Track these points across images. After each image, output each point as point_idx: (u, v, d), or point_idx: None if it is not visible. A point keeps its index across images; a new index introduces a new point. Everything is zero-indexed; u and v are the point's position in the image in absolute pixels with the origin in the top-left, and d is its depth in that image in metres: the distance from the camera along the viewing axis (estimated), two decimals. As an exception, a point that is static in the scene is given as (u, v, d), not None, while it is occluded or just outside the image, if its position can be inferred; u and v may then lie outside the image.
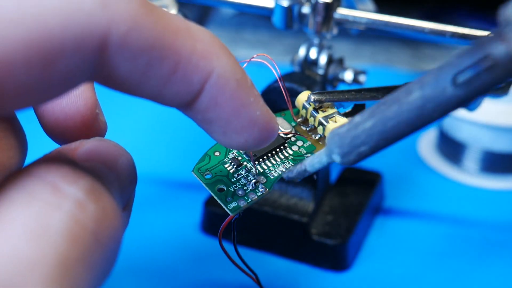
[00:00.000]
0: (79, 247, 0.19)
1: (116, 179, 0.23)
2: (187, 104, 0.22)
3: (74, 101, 0.26)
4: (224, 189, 0.28)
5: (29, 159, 0.54)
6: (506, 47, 0.20)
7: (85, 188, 0.20)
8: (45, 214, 0.19)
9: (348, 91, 0.31)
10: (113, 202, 0.21)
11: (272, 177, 0.29)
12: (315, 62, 0.44)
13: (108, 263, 0.22)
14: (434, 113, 0.21)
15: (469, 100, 0.21)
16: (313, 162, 0.27)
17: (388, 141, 0.23)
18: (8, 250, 0.18)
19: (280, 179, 0.29)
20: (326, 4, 0.40)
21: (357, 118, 0.24)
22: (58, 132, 0.26)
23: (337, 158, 0.25)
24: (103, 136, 0.27)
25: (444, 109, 0.21)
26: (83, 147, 0.22)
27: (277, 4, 0.41)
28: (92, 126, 0.26)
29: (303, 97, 0.31)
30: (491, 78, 0.20)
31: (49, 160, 0.21)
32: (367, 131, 0.23)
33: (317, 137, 0.31)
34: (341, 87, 0.42)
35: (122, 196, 0.23)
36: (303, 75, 0.41)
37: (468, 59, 0.20)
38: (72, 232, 0.19)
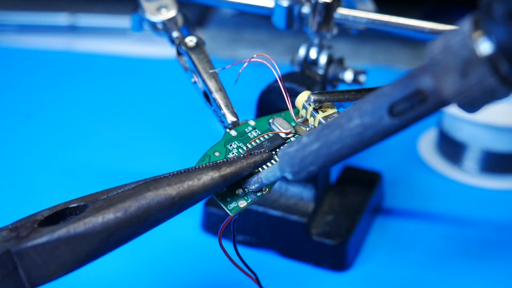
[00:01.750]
0: None
1: None
2: None
3: None
4: (224, 189, 0.28)
5: (28, 161, 0.54)
6: (435, 83, 0.21)
7: None
8: None
9: (348, 91, 0.31)
10: None
11: (272, 177, 0.29)
12: (315, 62, 0.44)
13: None
14: (373, 138, 0.23)
15: (404, 127, 0.23)
16: (268, 175, 0.28)
17: (334, 162, 0.25)
18: None
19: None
20: (326, 4, 0.40)
21: (304, 139, 0.25)
22: None
23: (289, 176, 0.26)
24: None
25: (382, 135, 0.23)
26: None
27: (277, 4, 0.41)
28: None
29: (303, 97, 0.31)
30: (424, 109, 0.22)
31: None
32: (314, 153, 0.25)
33: (317, 137, 0.31)
34: (341, 87, 0.42)
35: None
36: (303, 75, 0.41)
37: (401, 91, 0.22)
38: None
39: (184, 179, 0.26)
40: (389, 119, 0.22)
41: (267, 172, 0.28)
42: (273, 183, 0.28)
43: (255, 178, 0.28)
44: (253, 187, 0.28)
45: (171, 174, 0.27)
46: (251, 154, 0.29)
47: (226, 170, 0.27)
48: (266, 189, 0.29)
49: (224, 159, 0.28)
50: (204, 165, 0.27)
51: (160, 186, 0.26)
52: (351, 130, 0.23)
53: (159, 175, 0.27)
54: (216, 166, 0.27)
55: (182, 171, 0.27)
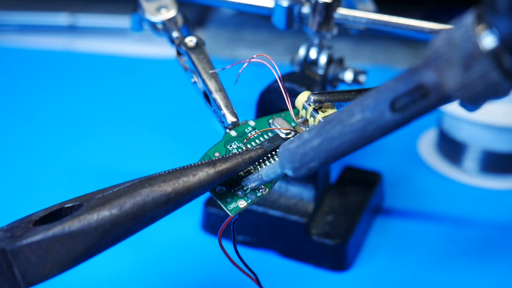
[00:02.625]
0: None
1: None
2: None
3: None
4: (224, 189, 0.28)
5: (28, 161, 0.54)
6: (437, 77, 0.21)
7: None
8: None
9: (348, 91, 0.31)
10: None
11: (272, 178, 0.29)
12: (315, 62, 0.44)
13: None
14: (374, 134, 0.23)
15: (406, 123, 0.22)
16: (268, 172, 0.28)
17: (335, 158, 0.25)
18: None
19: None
20: (326, 4, 0.40)
21: (305, 135, 0.25)
22: None
23: (289, 172, 0.26)
24: None
25: (383, 131, 0.23)
26: None
27: (277, 4, 0.41)
28: None
29: (303, 97, 0.31)
30: (426, 104, 0.22)
31: None
32: (315, 149, 0.25)
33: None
34: (341, 87, 0.42)
35: None
36: (303, 75, 0.41)
37: (403, 85, 0.22)
38: None
39: (179, 176, 0.26)
40: (391, 114, 0.22)
41: (267, 169, 0.28)
42: (273, 180, 0.28)
43: (255, 175, 0.28)
44: (253, 184, 0.28)
45: (166, 172, 0.27)
46: (248, 149, 0.29)
47: (222, 166, 0.27)
48: (266, 190, 0.29)
49: (220, 156, 0.28)
50: (199, 162, 0.27)
51: (155, 183, 0.26)
52: (352, 125, 0.23)
53: (154, 174, 0.27)
54: (211, 162, 0.27)
55: (178, 168, 0.27)
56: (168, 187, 0.25)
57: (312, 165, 0.25)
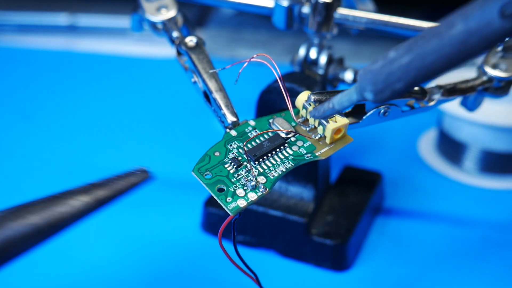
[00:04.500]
0: None
1: None
2: None
3: None
4: (224, 189, 0.28)
5: (28, 161, 0.54)
6: None
7: None
8: None
9: (348, 91, 0.31)
10: None
11: (272, 177, 0.29)
12: (315, 62, 0.44)
13: None
14: (477, 46, 0.21)
15: None
16: (342, 100, 0.26)
17: (426, 77, 0.22)
18: None
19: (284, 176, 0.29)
20: (326, 4, 0.40)
21: (392, 53, 0.23)
22: None
23: (369, 96, 0.24)
24: None
25: (489, 42, 0.21)
26: None
27: (277, 4, 0.41)
28: None
29: (303, 97, 0.31)
30: None
31: None
32: (403, 67, 0.22)
33: (317, 137, 0.31)
34: (341, 87, 0.42)
35: None
36: (303, 75, 0.41)
37: None
38: None
39: (50, 205, 0.24)
40: (500, 22, 0.20)
41: (340, 97, 0.25)
42: (346, 109, 0.26)
43: (325, 105, 0.26)
44: (324, 114, 0.27)
45: (37, 200, 0.25)
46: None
47: (100, 193, 0.25)
48: (266, 189, 0.29)
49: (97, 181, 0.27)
50: (76, 188, 0.26)
51: (21, 214, 0.24)
52: (452, 37, 0.21)
53: (24, 202, 0.25)
54: (87, 188, 0.26)
55: (51, 196, 0.25)
56: (36, 218, 0.24)
57: (397, 86, 0.23)
